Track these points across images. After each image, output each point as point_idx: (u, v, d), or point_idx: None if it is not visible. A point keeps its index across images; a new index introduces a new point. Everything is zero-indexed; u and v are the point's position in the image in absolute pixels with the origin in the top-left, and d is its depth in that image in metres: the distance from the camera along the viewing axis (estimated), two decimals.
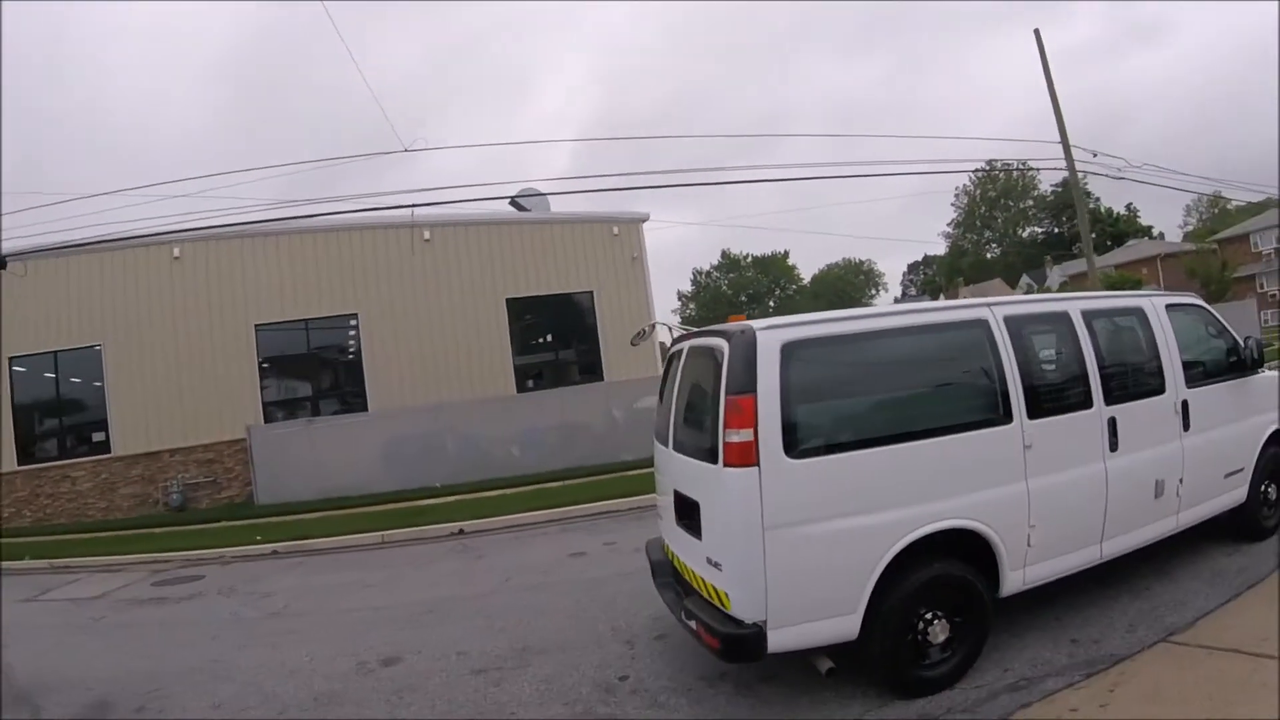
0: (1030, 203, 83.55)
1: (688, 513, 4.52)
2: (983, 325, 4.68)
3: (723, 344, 4.16)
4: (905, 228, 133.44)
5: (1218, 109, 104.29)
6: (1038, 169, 73.99)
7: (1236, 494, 5.78)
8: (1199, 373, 5.62)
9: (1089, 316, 5.15)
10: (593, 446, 15.44)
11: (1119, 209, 73.62)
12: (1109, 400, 4.96)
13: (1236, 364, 5.89)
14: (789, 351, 4.06)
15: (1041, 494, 4.59)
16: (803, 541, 3.94)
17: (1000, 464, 4.52)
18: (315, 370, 19.36)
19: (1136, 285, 34.83)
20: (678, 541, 4.80)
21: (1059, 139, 17.95)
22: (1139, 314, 5.53)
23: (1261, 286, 45.49)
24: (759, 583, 3.87)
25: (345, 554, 10.51)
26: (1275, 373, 6.27)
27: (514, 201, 20.06)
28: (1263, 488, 5.99)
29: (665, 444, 5.06)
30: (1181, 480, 5.33)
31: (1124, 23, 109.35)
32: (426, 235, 18.34)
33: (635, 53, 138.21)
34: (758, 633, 3.85)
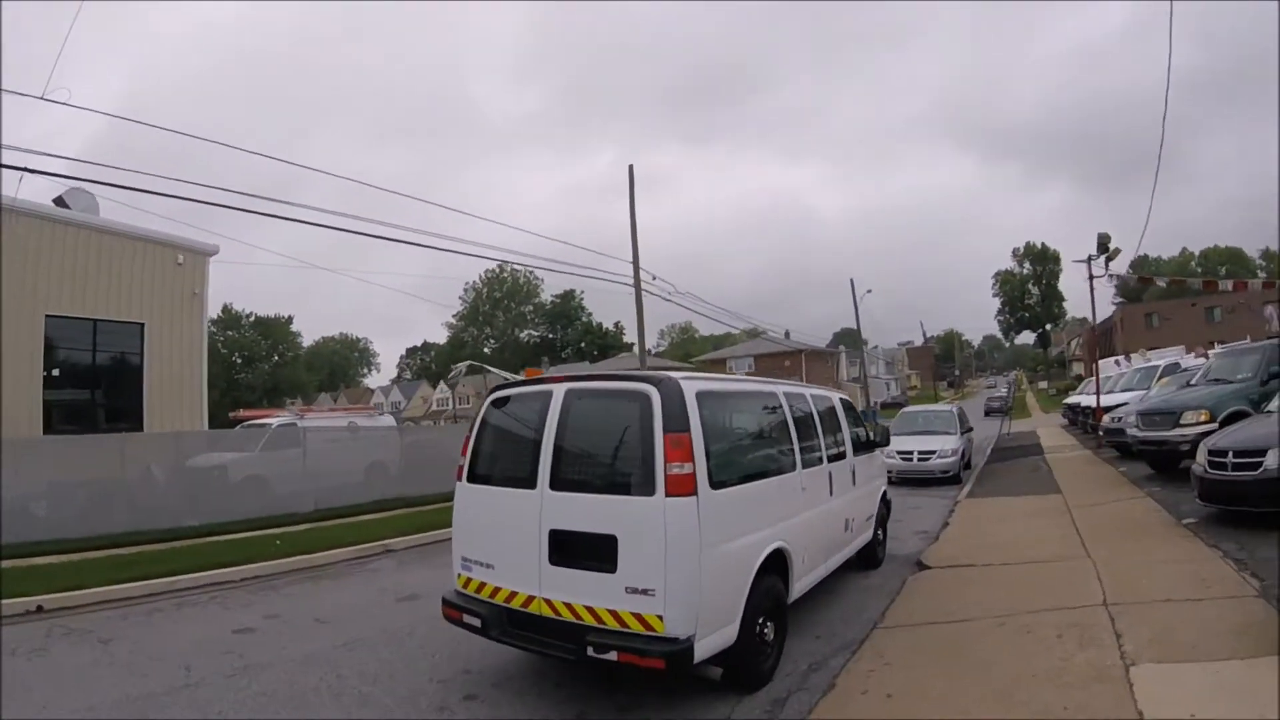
0: (530, 308, 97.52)
1: (585, 550, 4.67)
2: (775, 396, 6.49)
3: (649, 389, 4.76)
4: (409, 312, 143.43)
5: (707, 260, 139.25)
6: (542, 278, 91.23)
7: (869, 533, 8.38)
8: (855, 445, 8.11)
9: (816, 400, 7.35)
10: (135, 509, 12.53)
11: (608, 325, 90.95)
12: (829, 460, 7.06)
13: (870, 442, 8.62)
14: (700, 399, 4.94)
15: (807, 524, 6.32)
16: (718, 560, 4.73)
17: (794, 500, 6.15)
18: None
19: None
20: (551, 582, 4.78)
21: (631, 259, 21.37)
22: (832, 401, 7.90)
23: None
24: (694, 600, 4.43)
25: None
26: (883, 449, 9.37)
27: (59, 199, 16.08)
28: (877, 529, 8.73)
29: (530, 485, 5.00)
30: (853, 519, 7.64)
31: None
32: None
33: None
34: (689, 646, 4.37)
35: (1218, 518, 7.97)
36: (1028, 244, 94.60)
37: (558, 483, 4.91)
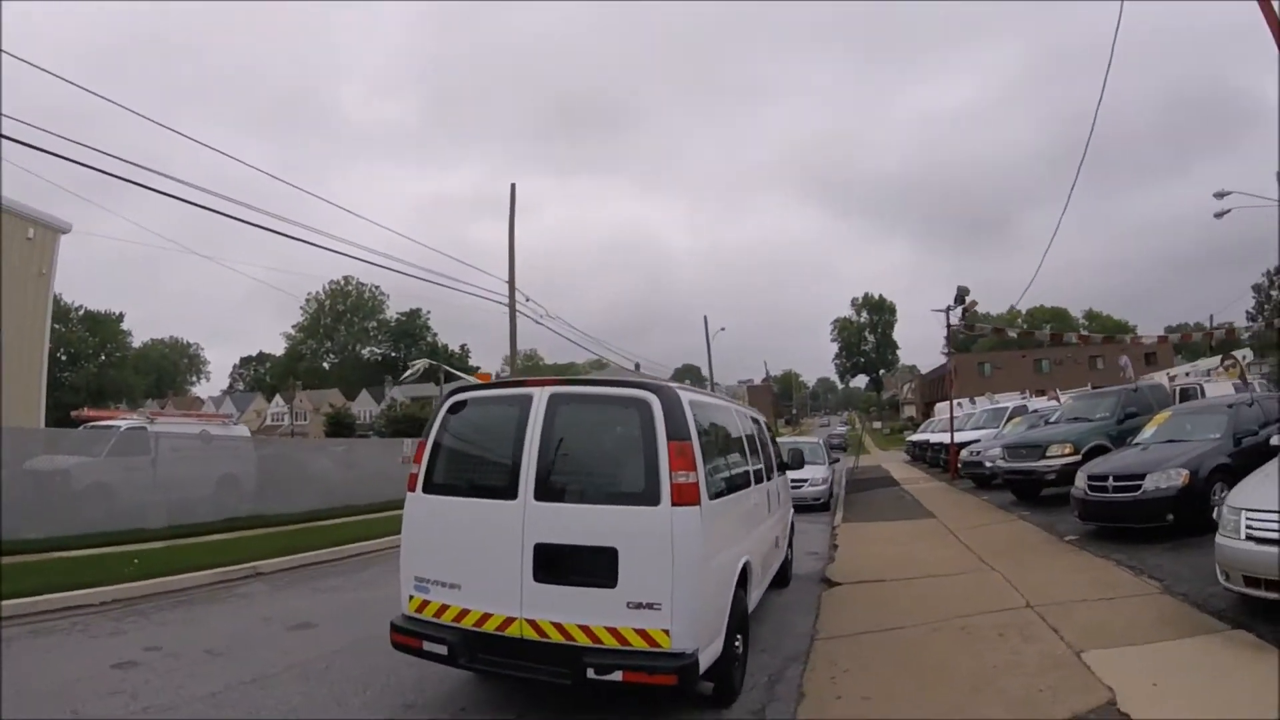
0: (374, 324, 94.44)
1: (578, 565, 4.40)
2: (734, 413, 6.77)
3: (650, 395, 4.61)
4: (245, 319, 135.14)
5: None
6: (388, 294, 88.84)
7: (785, 552, 8.63)
8: (779, 466, 8.39)
9: (755, 420, 7.67)
10: None
11: (454, 347, 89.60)
12: (766, 478, 7.21)
13: (784, 464, 8.98)
14: (693, 409, 4.88)
15: (759, 539, 6.48)
16: (714, 572, 4.69)
17: (753, 514, 6.28)
18: None
19: None
20: (537, 601, 4.43)
21: (508, 279, 20.87)
22: (761, 421, 8.18)
23: None
24: (699, 612, 4.32)
25: None
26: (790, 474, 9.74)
27: None
28: (787, 549, 9.01)
29: (508, 495, 4.63)
30: (780, 537, 7.90)
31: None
32: None
33: None
34: (696, 660, 4.23)
35: (1096, 534, 8.97)
36: (866, 295, 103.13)
37: (543, 493, 4.56)
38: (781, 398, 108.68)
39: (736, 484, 5.73)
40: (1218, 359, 19.21)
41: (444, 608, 4.68)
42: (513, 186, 20.48)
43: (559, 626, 4.34)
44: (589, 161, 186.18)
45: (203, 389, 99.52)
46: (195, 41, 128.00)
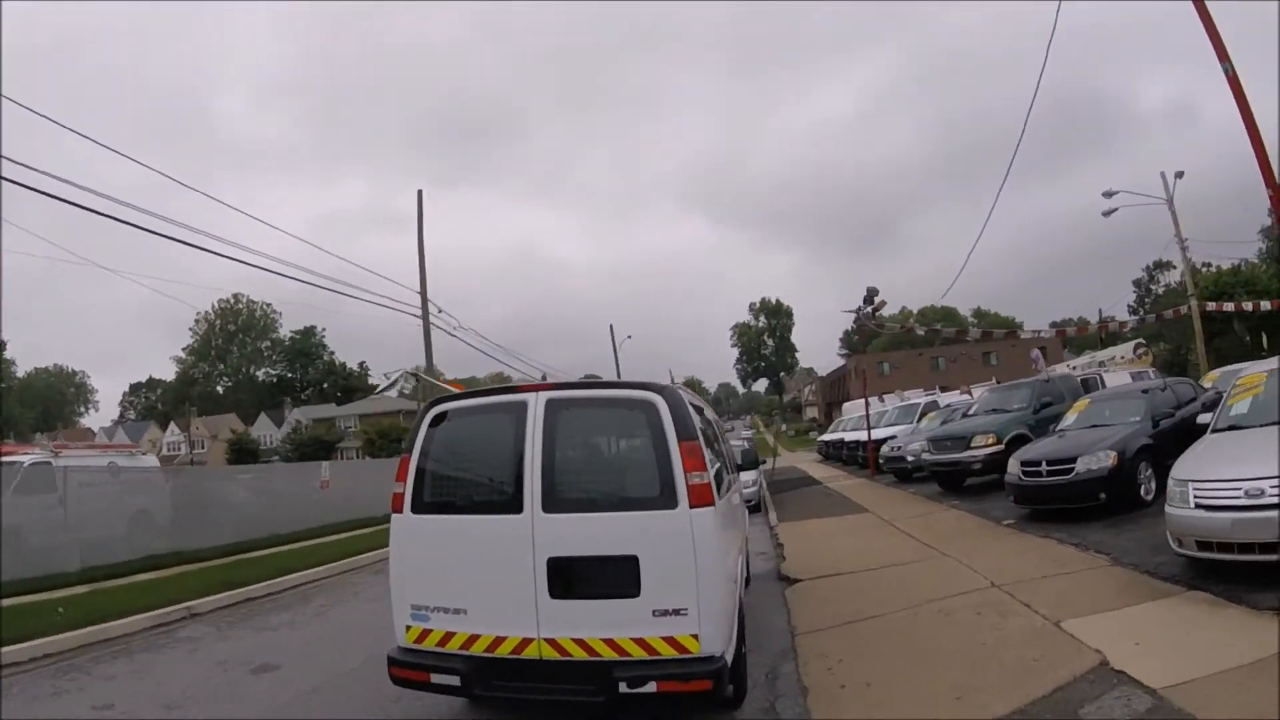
0: (268, 343, 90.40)
1: (597, 576, 4.30)
2: (706, 410, 6.84)
3: (655, 397, 4.54)
4: (133, 343, 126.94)
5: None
6: (280, 312, 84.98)
7: (746, 549, 8.83)
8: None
9: (715, 421, 7.71)
10: None
11: (352, 365, 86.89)
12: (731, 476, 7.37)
13: (741, 466, 9.16)
14: (692, 409, 4.93)
15: (739, 536, 6.55)
16: (728, 573, 4.73)
17: (737, 512, 6.32)
18: None
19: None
20: (555, 618, 4.29)
21: (419, 289, 20.52)
22: (717, 423, 8.38)
23: None
24: (722, 614, 4.33)
25: None
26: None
27: None
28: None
29: (514, 509, 4.46)
30: (747, 535, 8.05)
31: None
32: None
33: None
34: (725, 663, 4.22)
35: (1031, 517, 9.67)
36: (764, 300, 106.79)
37: (552, 504, 4.41)
38: None
39: (724, 483, 5.79)
40: (1115, 349, 21.07)
41: (449, 635, 4.43)
42: (419, 193, 20.23)
43: (581, 643, 4.22)
44: (481, 172, 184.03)
45: (92, 419, 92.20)
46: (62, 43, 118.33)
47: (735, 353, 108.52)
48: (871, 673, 5.31)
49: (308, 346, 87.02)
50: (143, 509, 13.44)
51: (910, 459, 16.18)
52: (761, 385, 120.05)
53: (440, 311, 20.10)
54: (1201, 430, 6.73)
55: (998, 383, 19.73)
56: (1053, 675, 4.57)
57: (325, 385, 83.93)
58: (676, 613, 4.17)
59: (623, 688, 4.09)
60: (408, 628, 4.55)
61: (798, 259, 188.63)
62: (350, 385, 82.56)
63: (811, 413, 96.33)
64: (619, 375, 53.14)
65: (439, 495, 4.74)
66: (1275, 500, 5.00)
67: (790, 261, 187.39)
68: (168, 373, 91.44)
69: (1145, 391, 10.23)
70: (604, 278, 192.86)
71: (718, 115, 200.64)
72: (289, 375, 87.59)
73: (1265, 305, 22.28)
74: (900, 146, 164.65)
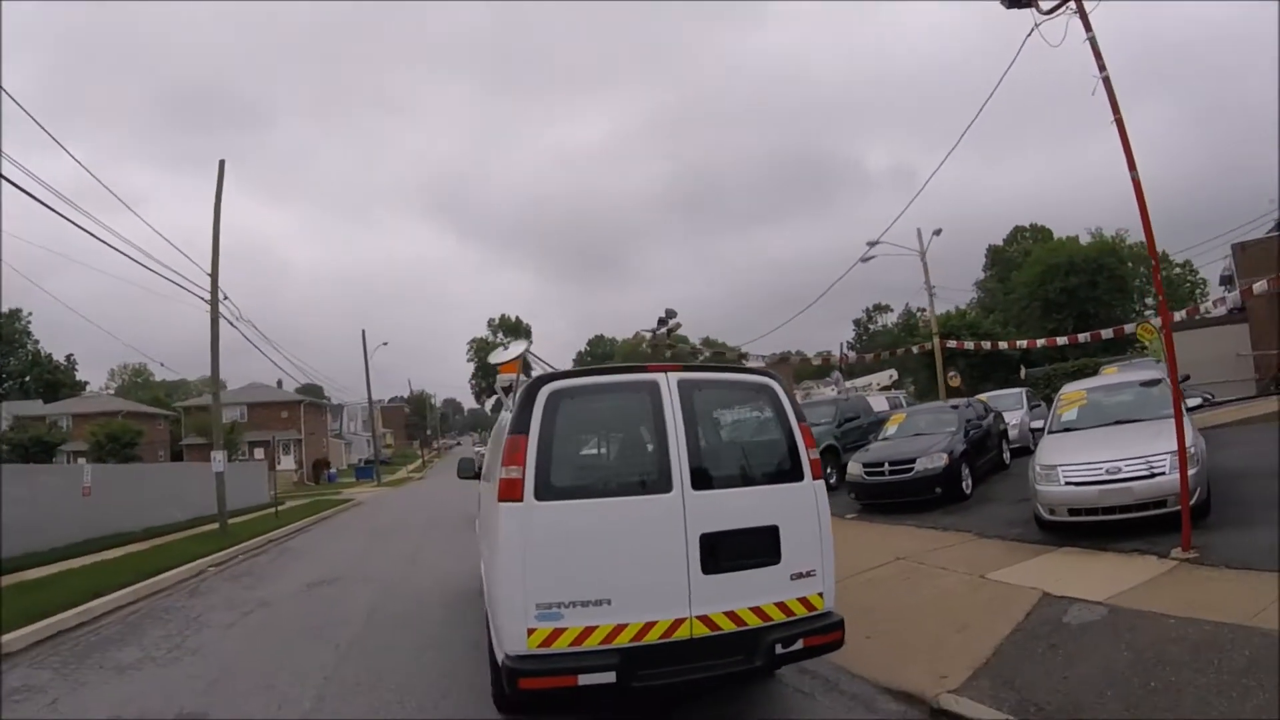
0: None
1: (744, 548, 4.50)
2: None
3: (769, 380, 5.08)
4: None
5: None
6: None
7: None
8: None
9: None
10: None
11: (59, 356, 71.83)
12: None
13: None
14: None
15: None
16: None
17: None
18: None
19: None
20: (707, 594, 4.36)
21: (210, 271, 18.17)
22: None
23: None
24: (833, 571, 4.82)
25: None
26: None
27: None
28: None
29: (663, 489, 4.48)
30: None
31: None
32: None
33: None
34: (842, 617, 4.73)
35: (868, 510, 11.86)
36: (503, 316, 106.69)
37: (700, 481, 4.51)
38: (414, 418, 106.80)
39: None
40: (872, 377, 25.20)
41: (588, 630, 4.19)
42: (221, 163, 18.04)
43: (732, 614, 4.36)
44: (211, 159, 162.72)
45: None
46: None
47: (471, 367, 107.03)
48: (863, 628, 6.19)
49: (11, 332, 69.02)
50: None
51: None
52: (490, 402, 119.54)
53: (225, 298, 17.94)
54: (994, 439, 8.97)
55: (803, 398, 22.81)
56: (1019, 605, 6.12)
57: (27, 379, 67.13)
58: (809, 574, 4.61)
59: (779, 649, 4.38)
60: (531, 631, 4.16)
61: (533, 278, 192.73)
62: (57, 380, 67.16)
63: None
64: (369, 383, 50.66)
65: (570, 479, 4.54)
66: (1129, 475, 7.23)
67: (528, 281, 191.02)
68: None
69: (955, 407, 13.05)
70: (342, 283, 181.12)
71: (467, 128, 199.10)
72: None
73: (986, 345, 28.53)
74: (636, 183, 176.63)
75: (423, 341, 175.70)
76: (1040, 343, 26.57)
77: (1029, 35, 7.14)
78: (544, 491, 4.30)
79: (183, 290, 16.49)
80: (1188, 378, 9.72)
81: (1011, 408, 16.35)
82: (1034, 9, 6.96)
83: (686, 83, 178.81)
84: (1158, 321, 15.79)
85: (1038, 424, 9.55)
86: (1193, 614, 5.18)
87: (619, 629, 4.19)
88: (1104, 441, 7.93)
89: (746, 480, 4.79)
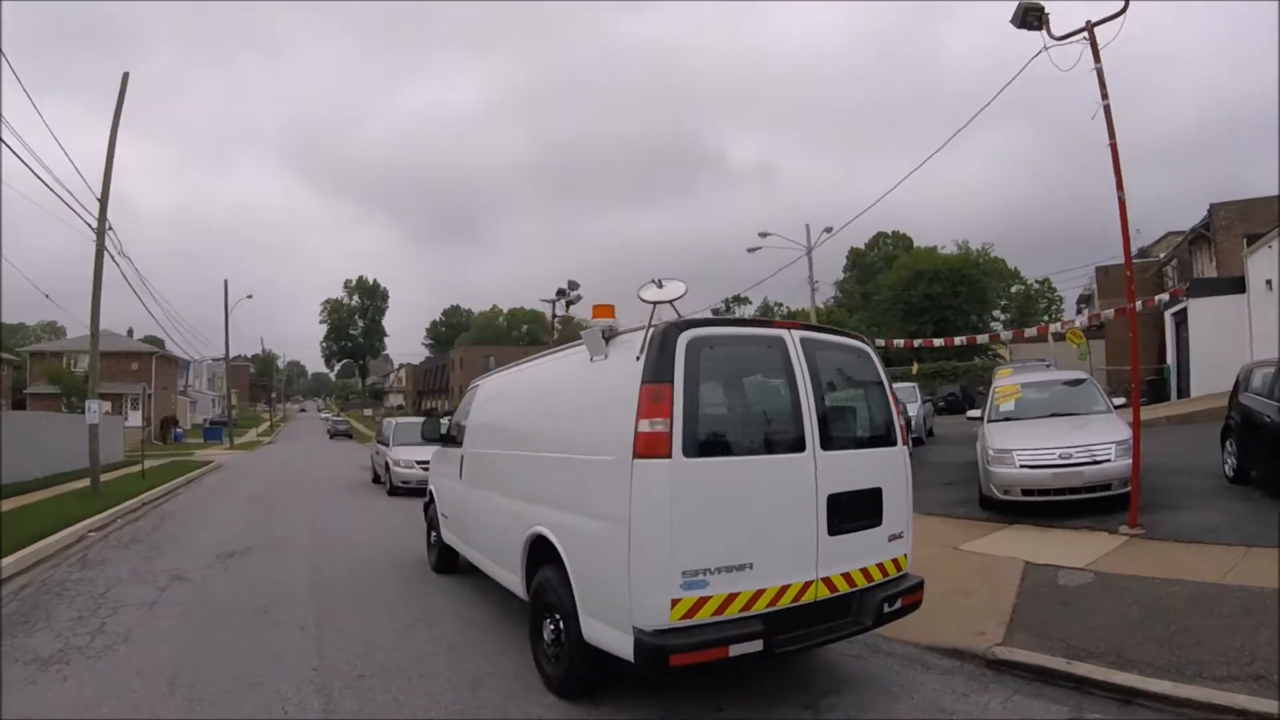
0: None
1: (857, 510, 4.56)
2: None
3: (863, 343, 5.24)
4: None
5: None
6: None
7: None
8: None
9: None
10: None
11: None
12: None
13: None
14: None
15: None
16: None
17: None
18: None
19: None
20: (831, 556, 4.39)
21: (100, 196, 16.52)
22: None
23: None
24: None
25: None
26: None
27: None
28: None
29: (797, 448, 4.41)
30: None
31: None
32: None
33: None
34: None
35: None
36: (360, 278, 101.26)
37: (827, 441, 4.49)
38: (259, 378, 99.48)
39: None
40: None
41: (730, 598, 4.01)
42: (125, 75, 16.04)
43: (846, 576, 4.45)
44: (71, 82, 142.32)
45: None
46: None
47: (324, 329, 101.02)
48: None
49: None
50: None
51: None
52: (338, 368, 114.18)
53: (111, 229, 15.90)
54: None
55: None
56: (1010, 571, 6.94)
57: None
58: (899, 536, 4.85)
59: (886, 608, 4.53)
60: (675, 601, 3.88)
61: (393, 239, 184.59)
62: None
63: (399, 400, 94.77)
64: (227, 337, 46.90)
65: (716, 434, 4.31)
66: (1079, 461, 8.23)
67: (387, 242, 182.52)
68: None
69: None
70: (188, 227, 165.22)
71: (337, 79, 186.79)
72: None
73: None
74: (504, 154, 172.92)
75: (274, 298, 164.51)
76: (898, 343, 28.72)
77: (1035, 56, 7.89)
78: (691, 448, 4.02)
79: (29, 220, 14.75)
80: (1085, 380, 10.98)
81: (909, 400, 17.93)
82: (1045, 32, 7.66)
83: (561, 59, 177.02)
84: (1080, 322, 17.81)
85: (974, 413, 10.58)
86: (1172, 576, 6.16)
87: (758, 594, 4.08)
88: (1049, 431, 9.02)
89: (861, 441, 4.88)
